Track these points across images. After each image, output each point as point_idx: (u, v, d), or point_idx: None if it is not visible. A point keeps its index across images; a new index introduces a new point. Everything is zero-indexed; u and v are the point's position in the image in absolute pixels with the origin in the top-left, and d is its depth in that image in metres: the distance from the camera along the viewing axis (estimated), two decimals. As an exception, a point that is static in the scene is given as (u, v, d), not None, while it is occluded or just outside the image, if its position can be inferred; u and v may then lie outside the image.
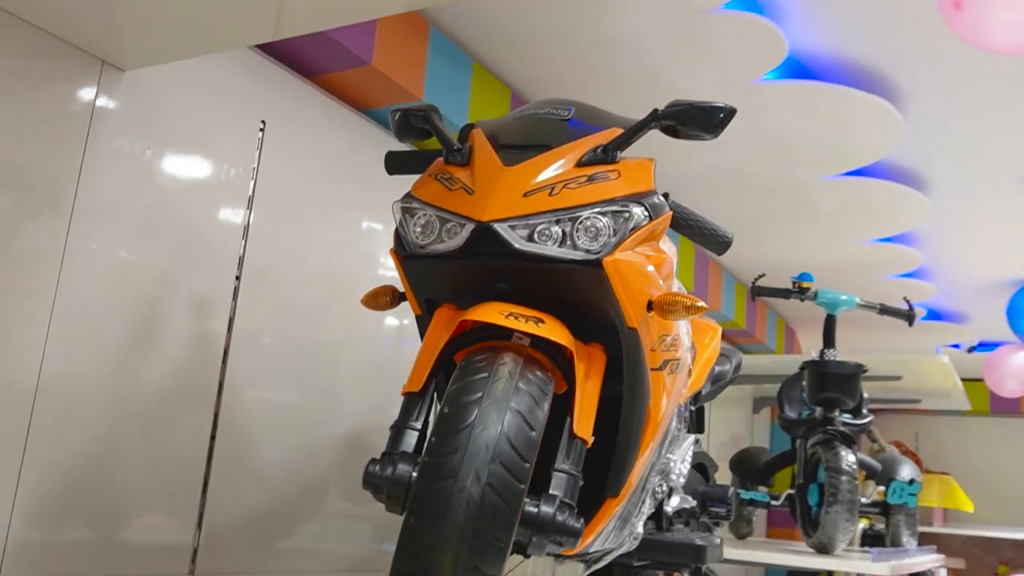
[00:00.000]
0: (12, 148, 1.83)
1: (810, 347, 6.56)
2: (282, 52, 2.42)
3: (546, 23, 2.71)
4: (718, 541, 2.10)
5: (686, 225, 1.80)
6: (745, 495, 3.54)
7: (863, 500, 3.51)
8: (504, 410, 1.33)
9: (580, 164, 1.58)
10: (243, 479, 2.28)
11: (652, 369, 1.66)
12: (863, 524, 4.83)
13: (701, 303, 1.60)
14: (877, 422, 8.31)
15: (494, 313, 1.46)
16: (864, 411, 3.82)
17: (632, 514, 1.86)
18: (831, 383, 3.34)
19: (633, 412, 1.65)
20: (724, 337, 5.64)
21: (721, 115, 1.63)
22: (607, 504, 1.68)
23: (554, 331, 1.48)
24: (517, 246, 1.49)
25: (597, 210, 1.52)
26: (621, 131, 1.63)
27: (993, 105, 3.19)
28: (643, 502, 1.90)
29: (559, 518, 1.41)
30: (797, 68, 2.98)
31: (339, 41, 2.36)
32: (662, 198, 1.63)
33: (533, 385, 1.40)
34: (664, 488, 1.94)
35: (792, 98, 3.09)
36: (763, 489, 3.75)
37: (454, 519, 1.26)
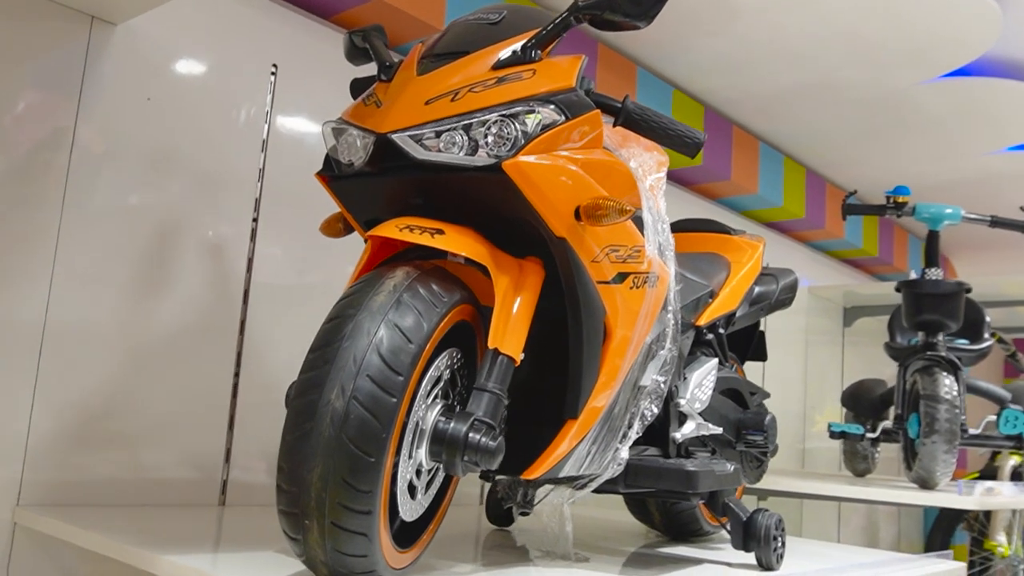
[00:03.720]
0: (3, 107, 1.94)
1: (969, 272, 6.08)
2: (291, -6, 2.44)
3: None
4: (730, 468, 1.96)
5: (648, 127, 1.68)
6: (836, 428, 3.32)
7: (973, 431, 3.21)
8: (378, 323, 1.29)
9: (496, 67, 1.51)
10: (270, 415, 2.33)
11: (601, 282, 1.57)
12: (1013, 461, 4.46)
13: (630, 207, 1.50)
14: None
15: (390, 227, 1.42)
16: (986, 335, 3.50)
17: (613, 439, 1.77)
18: (928, 304, 3.06)
19: (580, 328, 1.56)
20: (856, 266, 5.31)
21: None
22: (567, 426, 1.60)
23: (454, 242, 1.42)
24: (416, 155, 1.44)
25: (500, 112, 1.44)
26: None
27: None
28: (627, 426, 1.81)
29: (472, 436, 1.36)
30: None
31: (339, -25, 2.35)
32: (583, 95, 1.52)
33: (421, 299, 1.34)
34: (653, 411, 1.83)
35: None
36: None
37: (319, 433, 1.23)
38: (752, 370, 3.48)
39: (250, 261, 2.33)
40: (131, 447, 2.10)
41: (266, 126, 2.38)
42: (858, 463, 3.72)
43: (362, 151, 1.50)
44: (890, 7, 2.91)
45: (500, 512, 2.31)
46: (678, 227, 2.53)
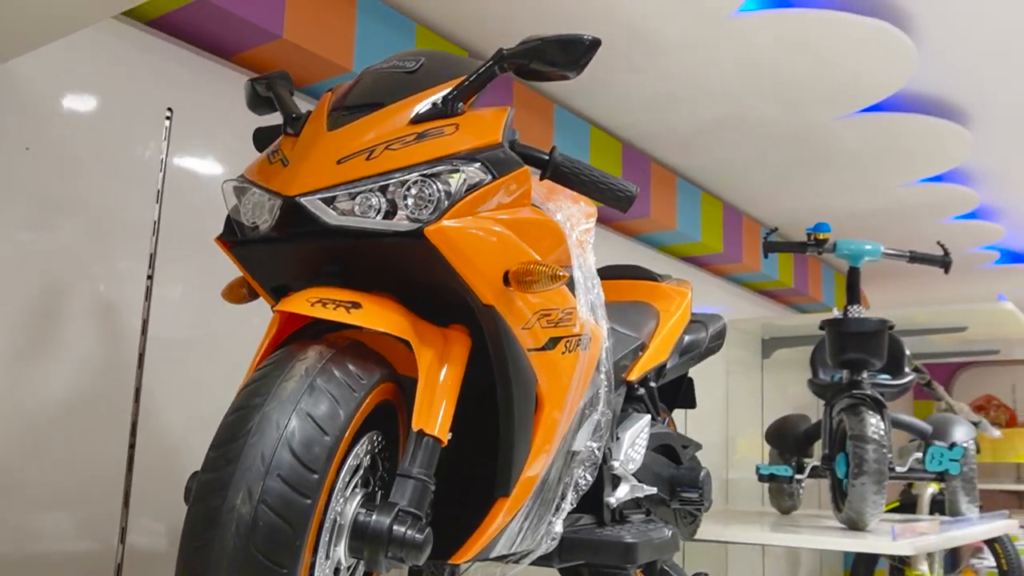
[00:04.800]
0: None
1: (881, 301, 6.17)
2: (189, 32, 2.26)
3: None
4: (668, 534, 1.86)
5: (578, 182, 1.57)
6: (765, 471, 3.26)
7: (900, 469, 3.18)
8: (288, 413, 1.14)
9: (415, 120, 1.38)
10: (170, 488, 2.14)
11: (533, 349, 1.46)
12: (932, 489, 4.48)
13: (563, 272, 1.38)
14: (966, 378, 7.84)
15: (301, 301, 1.28)
16: (907, 370, 3.50)
17: (546, 512, 1.65)
18: (853, 342, 3.03)
19: (510, 400, 1.44)
20: (773, 297, 5.32)
21: (582, 48, 1.40)
22: (498, 504, 1.48)
23: (372, 317, 1.28)
24: (328, 221, 1.31)
25: (421, 172, 1.31)
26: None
27: (1018, 23, 2.82)
28: (560, 497, 1.69)
29: (396, 530, 1.21)
30: (776, -4, 2.68)
31: (240, 15, 2.19)
32: (510, 151, 1.41)
33: (337, 383, 1.20)
34: (587, 479, 1.72)
35: (780, 30, 2.79)
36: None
37: (223, 544, 1.08)
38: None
39: (145, 323, 2.14)
40: (11, 531, 1.89)
41: (161, 174, 2.20)
42: (784, 501, 3.67)
43: (268, 214, 1.36)
44: (810, 45, 2.89)
45: (422, 584, 2.16)
46: (603, 274, 2.42)
